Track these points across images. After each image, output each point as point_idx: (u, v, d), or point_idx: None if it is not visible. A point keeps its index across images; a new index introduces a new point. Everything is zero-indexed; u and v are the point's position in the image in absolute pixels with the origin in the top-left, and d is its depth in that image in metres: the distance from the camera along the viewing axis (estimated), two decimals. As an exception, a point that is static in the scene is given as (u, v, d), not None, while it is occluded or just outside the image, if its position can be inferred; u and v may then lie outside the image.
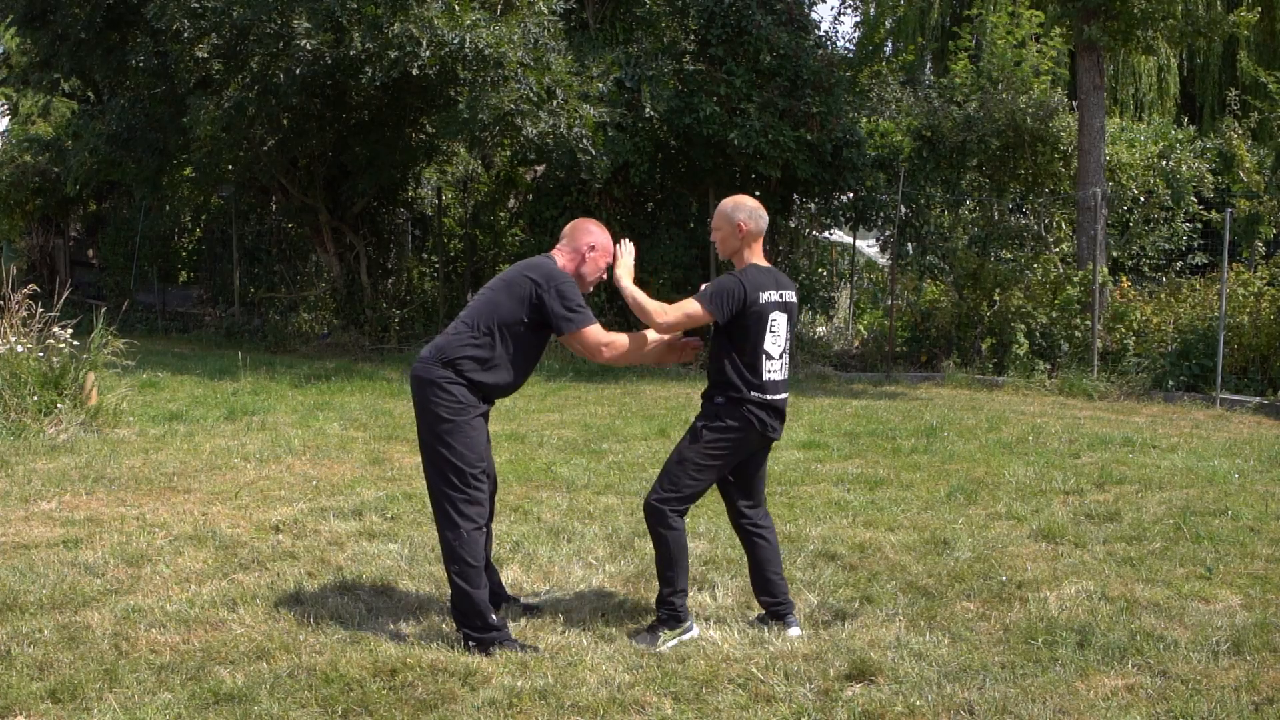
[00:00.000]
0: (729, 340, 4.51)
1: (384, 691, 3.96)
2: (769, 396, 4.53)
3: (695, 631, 4.56)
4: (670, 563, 4.51)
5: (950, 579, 5.35)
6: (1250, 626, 4.65)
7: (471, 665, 4.17)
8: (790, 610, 4.72)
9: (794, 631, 4.64)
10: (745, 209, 4.57)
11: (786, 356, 4.61)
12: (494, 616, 4.45)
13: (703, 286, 4.59)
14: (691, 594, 5.13)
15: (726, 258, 4.67)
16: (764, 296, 4.48)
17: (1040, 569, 5.49)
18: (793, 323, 4.66)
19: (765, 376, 4.51)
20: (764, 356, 4.50)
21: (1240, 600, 5.08)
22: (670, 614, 4.51)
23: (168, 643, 4.40)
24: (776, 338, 4.53)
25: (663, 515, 4.50)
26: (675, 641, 4.45)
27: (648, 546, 5.76)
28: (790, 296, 4.62)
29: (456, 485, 4.44)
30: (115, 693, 3.94)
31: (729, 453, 4.55)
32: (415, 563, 5.51)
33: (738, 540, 5.99)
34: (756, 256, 4.60)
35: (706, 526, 6.23)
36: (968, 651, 4.39)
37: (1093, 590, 5.16)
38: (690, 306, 4.46)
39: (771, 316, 4.50)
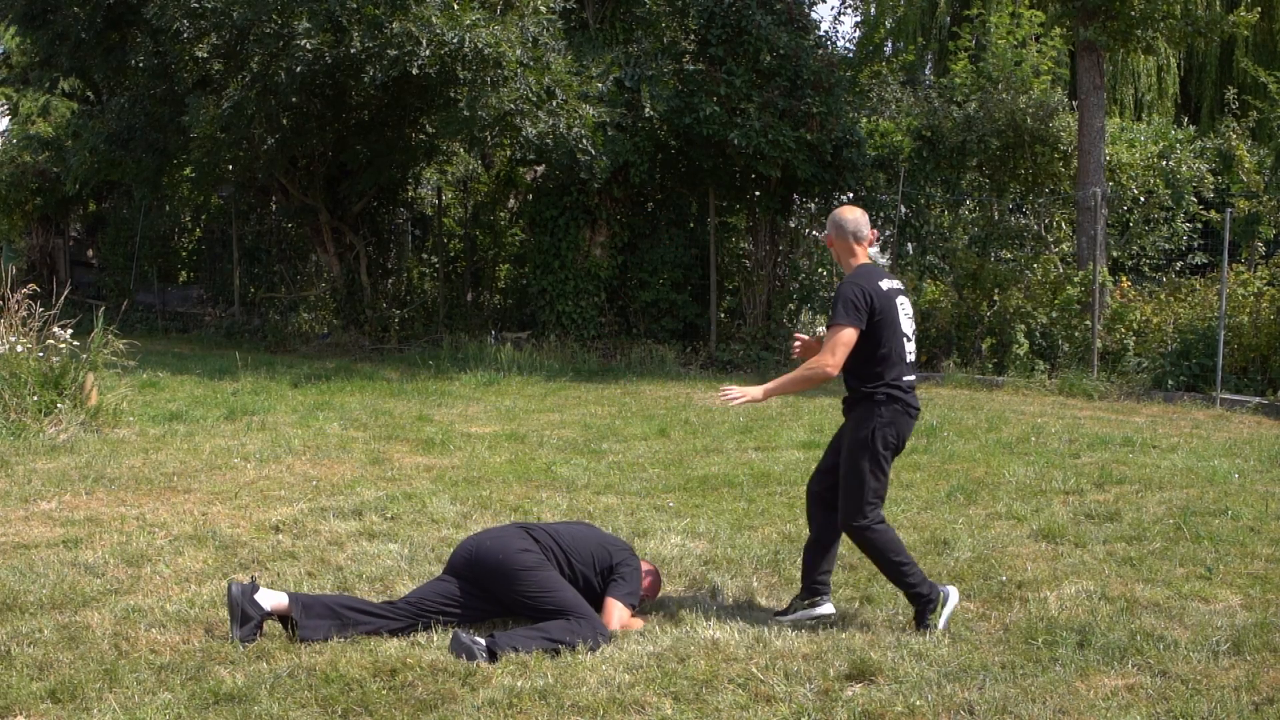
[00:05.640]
0: (871, 338, 4.61)
1: (384, 691, 3.95)
2: (912, 377, 4.73)
3: (956, 597, 4.68)
4: (892, 562, 4.61)
5: (950, 579, 5.35)
6: (1250, 626, 4.65)
7: (471, 665, 4.17)
8: (827, 596, 4.90)
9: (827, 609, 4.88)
10: (849, 216, 4.77)
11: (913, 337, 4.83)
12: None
13: (834, 314, 4.64)
14: (691, 594, 5.13)
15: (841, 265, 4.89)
16: (887, 285, 4.69)
17: (1040, 569, 5.49)
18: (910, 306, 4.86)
19: (908, 359, 4.70)
20: (904, 339, 4.68)
21: (1240, 600, 5.08)
22: (925, 603, 4.62)
23: (168, 643, 4.40)
24: (908, 319, 4.75)
25: (864, 530, 4.62)
26: (947, 615, 4.59)
27: (647, 545, 5.77)
28: (899, 283, 4.82)
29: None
30: (115, 693, 3.94)
31: (896, 445, 4.68)
32: (415, 563, 5.51)
33: (741, 541, 5.97)
34: (862, 258, 4.79)
35: (706, 526, 6.23)
36: (968, 651, 4.39)
37: (1093, 590, 5.16)
38: (837, 335, 4.57)
39: (898, 301, 4.69)
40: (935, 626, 4.58)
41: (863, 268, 4.74)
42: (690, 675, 4.13)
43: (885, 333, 4.61)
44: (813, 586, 4.85)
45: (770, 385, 4.70)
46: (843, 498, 4.68)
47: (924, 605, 4.63)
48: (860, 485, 4.61)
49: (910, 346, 4.73)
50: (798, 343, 5.00)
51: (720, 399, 4.67)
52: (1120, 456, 8.48)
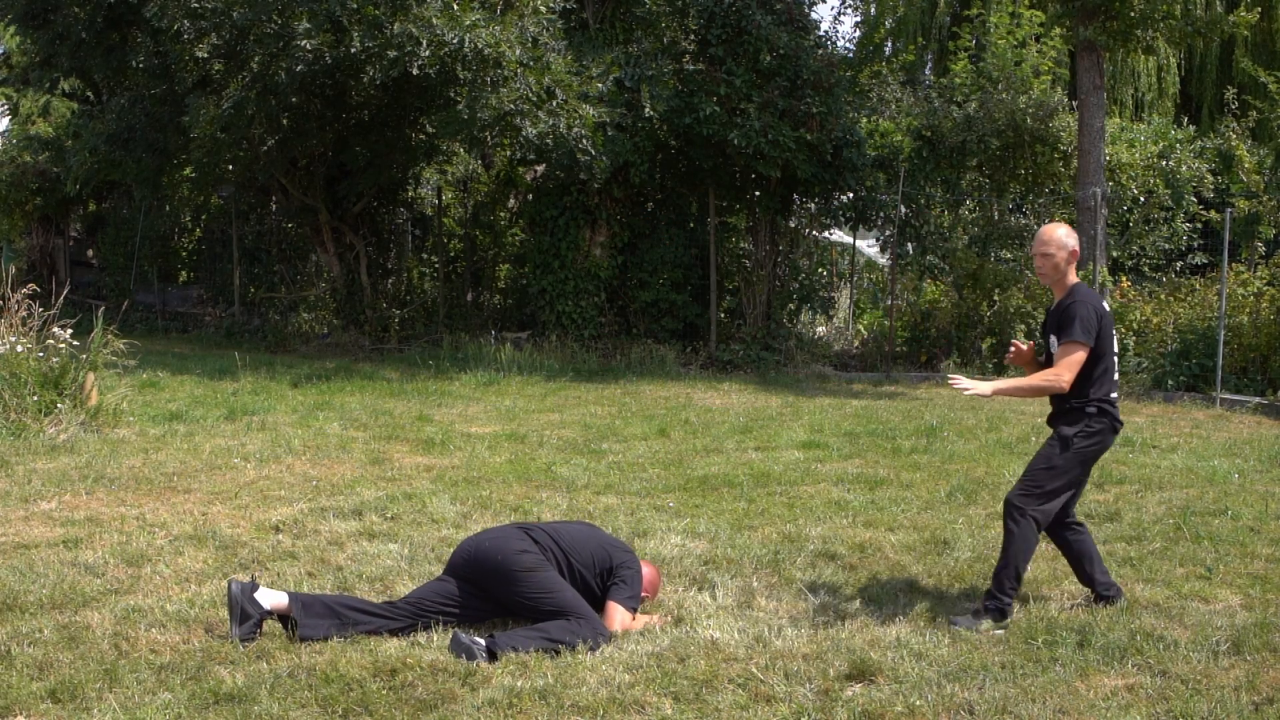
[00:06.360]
0: (1093, 356, 4.79)
1: (384, 691, 3.95)
2: (1117, 394, 4.91)
3: (1001, 634, 4.63)
4: (1013, 566, 4.72)
5: (950, 579, 5.36)
6: (1250, 626, 4.65)
7: (471, 665, 4.17)
8: (1119, 594, 5.00)
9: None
10: (1073, 234, 4.92)
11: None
12: None
13: (1072, 332, 4.76)
14: (691, 594, 5.13)
15: (1050, 284, 4.99)
16: (1106, 306, 4.86)
17: (1040, 569, 5.49)
18: None
19: (1115, 378, 4.90)
20: (1113, 358, 4.84)
21: (1240, 600, 5.08)
22: (996, 614, 4.69)
23: (168, 643, 4.40)
24: (1115, 339, 4.93)
25: (1019, 515, 4.74)
26: (998, 632, 4.59)
27: (647, 545, 5.77)
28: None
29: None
30: (115, 693, 3.94)
31: (1094, 458, 4.88)
32: (415, 563, 5.51)
33: (741, 541, 5.99)
34: (1075, 276, 4.96)
35: (706, 526, 6.23)
36: (968, 651, 4.39)
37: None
38: (1075, 353, 4.74)
39: (1112, 323, 4.89)
40: (967, 629, 4.61)
41: (1083, 287, 4.93)
42: (690, 675, 4.13)
43: (1105, 351, 4.81)
44: (1101, 593, 4.99)
45: (1001, 385, 4.89)
46: (1024, 476, 4.85)
47: (993, 613, 4.70)
48: (1045, 475, 4.78)
49: (1117, 364, 4.91)
50: (1012, 349, 5.18)
51: (951, 383, 4.75)
52: (1120, 456, 8.48)
